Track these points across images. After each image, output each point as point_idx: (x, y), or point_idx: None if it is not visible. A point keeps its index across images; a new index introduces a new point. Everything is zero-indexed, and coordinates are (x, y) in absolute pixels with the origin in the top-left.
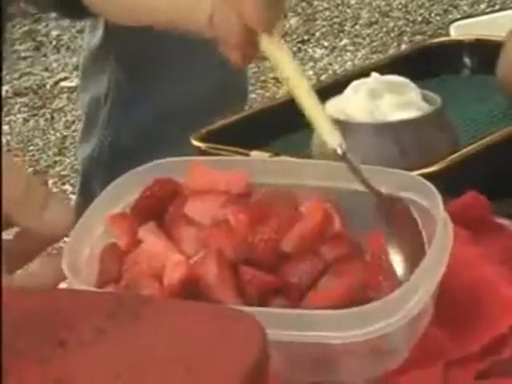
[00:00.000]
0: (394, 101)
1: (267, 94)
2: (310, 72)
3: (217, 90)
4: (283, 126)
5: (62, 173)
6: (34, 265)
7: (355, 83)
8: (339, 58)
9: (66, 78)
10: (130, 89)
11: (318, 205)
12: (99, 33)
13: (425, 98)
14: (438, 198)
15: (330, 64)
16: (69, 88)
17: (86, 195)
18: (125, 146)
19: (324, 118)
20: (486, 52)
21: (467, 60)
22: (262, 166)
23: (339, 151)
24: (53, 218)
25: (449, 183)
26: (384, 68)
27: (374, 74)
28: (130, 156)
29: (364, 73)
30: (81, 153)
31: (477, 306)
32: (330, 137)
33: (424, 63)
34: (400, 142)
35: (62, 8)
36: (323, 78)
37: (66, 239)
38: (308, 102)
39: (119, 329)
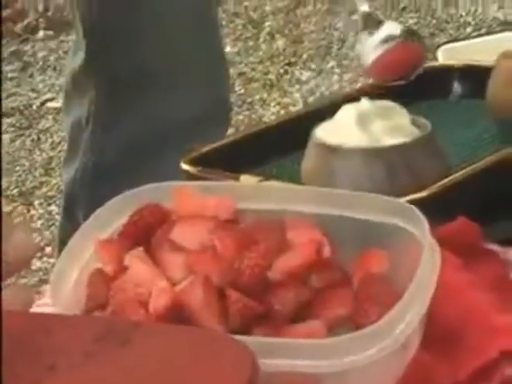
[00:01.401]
0: (383, 126)
1: (254, 116)
2: (297, 94)
3: (198, 112)
4: (274, 149)
5: (49, 194)
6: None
7: (345, 108)
8: (326, 81)
9: (52, 99)
10: (111, 111)
11: (309, 235)
12: (81, 55)
13: (414, 123)
14: (425, 223)
15: (317, 86)
16: (55, 109)
17: (70, 218)
18: (108, 169)
19: None
20: (474, 77)
21: (456, 84)
22: (250, 192)
23: None
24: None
25: (439, 208)
26: (373, 92)
27: (364, 99)
28: (114, 178)
29: (353, 97)
30: (65, 175)
31: (466, 333)
32: None
33: (413, 88)
34: (390, 167)
35: None
36: (310, 100)
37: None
38: None
39: (108, 353)
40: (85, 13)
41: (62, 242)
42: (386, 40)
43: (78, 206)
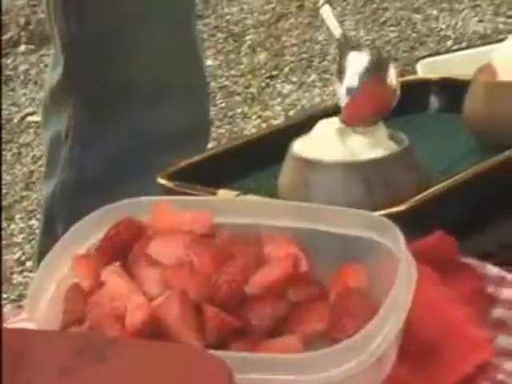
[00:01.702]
0: (361, 140)
1: (235, 129)
2: (278, 108)
3: (178, 127)
4: (252, 163)
5: (29, 208)
6: None
7: (323, 122)
8: (307, 94)
9: (33, 113)
10: (90, 126)
11: (285, 250)
12: (59, 70)
13: (392, 137)
14: (401, 237)
15: (299, 99)
16: (36, 123)
17: (49, 233)
18: (87, 184)
19: None
20: (452, 90)
21: (434, 98)
22: (228, 206)
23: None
24: None
25: (416, 222)
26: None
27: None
28: (93, 193)
29: (332, 111)
30: (44, 190)
31: (443, 347)
32: None
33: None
34: (367, 182)
35: None
36: (291, 113)
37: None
38: None
39: (85, 368)
40: (63, 28)
41: (42, 257)
42: (348, 91)
43: (57, 221)
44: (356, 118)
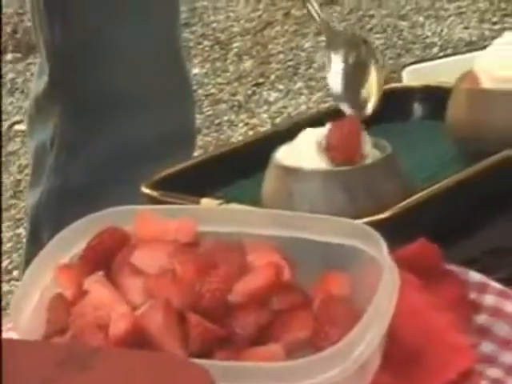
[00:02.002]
0: None
1: (222, 137)
2: (265, 115)
3: (163, 135)
4: (235, 172)
5: (17, 216)
6: None
7: (306, 131)
8: (294, 101)
9: (20, 122)
10: (75, 135)
11: (269, 258)
12: (45, 79)
13: (375, 145)
14: (383, 245)
15: (285, 107)
16: (23, 131)
17: (35, 241)
18: (72, 192)
19: None
20: (435, 98)
21: (417, 106)
22: (210, 215)
23: None
24: None
25: (399, 230)
26: (335, 114)
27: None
28: (78, 201)
29: (316, 119)
30: (30, 199)
31: (426, 354)
32: None
33: (374, 110)
34: (349, 189)
35: None
36: (278, 120)
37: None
38: None
39: (68, 378)
40: (48, 37)
41: (28, 266)
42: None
43: (43, 230)
44: (332, 158)
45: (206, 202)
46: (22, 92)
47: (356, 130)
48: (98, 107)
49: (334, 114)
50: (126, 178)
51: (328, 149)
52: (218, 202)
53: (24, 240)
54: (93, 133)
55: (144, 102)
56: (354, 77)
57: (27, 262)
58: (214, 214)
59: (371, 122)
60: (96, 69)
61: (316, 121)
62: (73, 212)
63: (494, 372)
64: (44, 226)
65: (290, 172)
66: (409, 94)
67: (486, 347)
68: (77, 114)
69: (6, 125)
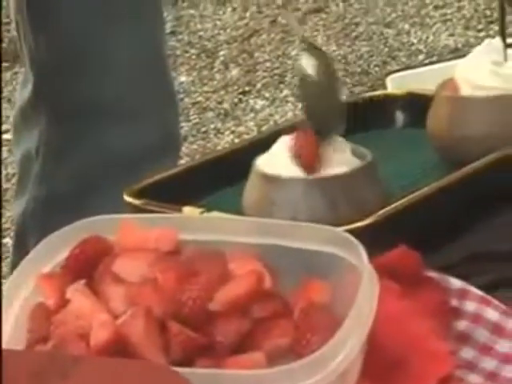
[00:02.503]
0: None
1: (208, 145)
2: (251, 123)
3: (148, 143)
4: (217, 180)
5: (3, 226)
6: None
7: (283, 138)
8: (280, 109)
9: (6, 131)
10: (61, 142)
11: (249, 266)
12: (29, 88)
13: (355, 153)
14: (362, 252)
15: (271, 115)
16: (9, 141)
17: (21, 251)
18: (58, 200)
19: None
20: (417, 105)
21: (399, 113)
22: (192, 223)
23: None
24: None
25: (379, 237)
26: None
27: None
28: (64, 209)
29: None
30: (16, 208)
31: (407, 360)
32: None
33: (355, 117)
34: (329, 197)
35: None
36: (264, 128)
37: None
38: None
39: None
40: (31, 46)
41: None
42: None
43: (29, 238)
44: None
45: (188, 210)
46: (9, 101)
47: (311, 140)
48: (83, 115)
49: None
50: (111, 186)
51: (294, 157)
52: (200, 210)
53: (10, 249)
54: (78, 141)
55: (129, 110)
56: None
57: (12, 270)
58: (195, 223)
59: (353, 130)
60: (81, 78)
61: (294, 130)
62: (59, 220)
63: (474, 378)
64: (30, 235)
65: (270, 180)
66: (391, 101)
67: (467, 353)
68: (62, 122)
69: None
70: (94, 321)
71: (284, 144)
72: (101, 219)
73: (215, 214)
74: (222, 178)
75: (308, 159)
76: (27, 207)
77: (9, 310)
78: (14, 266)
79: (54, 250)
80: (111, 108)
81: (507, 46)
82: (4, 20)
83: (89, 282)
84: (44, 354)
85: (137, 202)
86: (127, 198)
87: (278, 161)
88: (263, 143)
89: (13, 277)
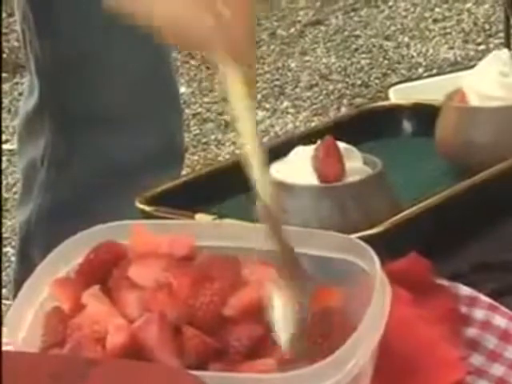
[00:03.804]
0: None
1: (209, 156)
2: None
3: (152, 152)
4: (228, 188)
5: (4, 235)
6: None
7: (300, 148)
8: (280, 121)
9: (6, 141)
10: (66, 150)
11: (263, 272)
12: (35, 96)
13: (365, 162)
14: (375, 259)
15: (272, 126)
16: (10, 151)
17: (25, 259)
18: (63, 208)
19: (258, 157)
20: (423, 115)
21: (406, 123)
22: (205, 230)
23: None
24: None
25: (390, 245)
26: (326, 131)
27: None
28: (69, 217)
29: (308, 136)
30: (20, 217)
31: (417, 366)
32: (261, 186)
33: (365, 126)
34: (341, 205)
35: None
36: (265, 140)
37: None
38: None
39: None
40: (38, 54)
41: (17, 285)
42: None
43: (33, 247)
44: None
45: (200, 217)
46: (9, 111)
47: (335, 150)
48: (88, 124)
49: (319, 132)
50: (114, 194)
51: (315, 166)
52: (212, 217)
53: (12, 258)
54: (81, 149)
55: (134, 119)
56: None
57: (16, 280)
58: (208, 229)
59: (362, 139)
60: (86, 86)
61: (303, 139)
62: (63, 228)
63: None
64: (34, 243)
65: (284, 187)
66: (398, 111)
67: (476, 360)
68: (66, 130)
69: None
70: (110, 325)
71: (300, 153)
72: (115, 225)
73: (228, 220)
74: (234, 185)
75: (333, 170)
76: (32, 215)
77: (23, 316)
78: (17, 273)
79: (69, 255)
80: (116, 116)
81: None
82: (4, 30)
83: (103, 288)
84: (62, 356)
85: (149, 208)
86: (139, 205)
87: (291, 169)
88: (276, 151)
89: (28, 282)
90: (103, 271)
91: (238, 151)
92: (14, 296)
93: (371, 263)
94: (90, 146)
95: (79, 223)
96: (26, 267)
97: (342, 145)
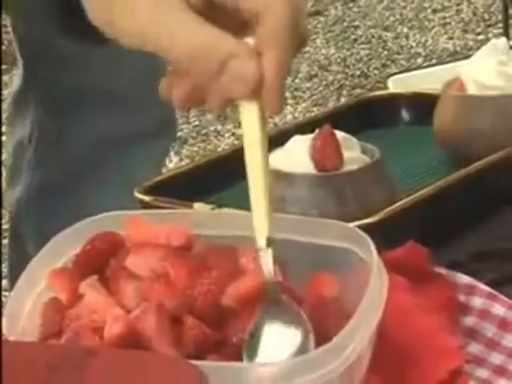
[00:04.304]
0: None
1: (209, 147)
2: None
3: (142, 127)
4: (228, 177)
5: (3, 227)
6: None
7: (298, 137)
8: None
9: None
10: (53, 129)
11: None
12: (19, 75)
13: (363, 151)
14: (372, 247)
15: (271, 117)
16: None
17: (17, 239)
18: (53, 186)
19: (264, 204)
20: (422, 104)
21: (405, 112)
22: (203, 219)
23: (263, 244)
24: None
25: (387, 234)
26: (324, 120)
27: (318, 130)
28: (59, 196)
29: (306, 125)
30: (9, 197)
31: (415, 354)
32: (260, 225)
33: (363, 116)
34: (339, 194)
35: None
36: None
37: (7, 294)
38: (256, 182)
39: (64, 379)
40: (21, 34)
41: (11, 266)
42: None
43: (24, 226)
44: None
45: (198, 206)
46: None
47: (332, 139)
48: (75, 102)
49: (317, 122)
50: (103, 172)
51: (313, 155)
52: (211, 206)
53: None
54: (70, 128)
55: (121, 96)
56: None
57: (10, 261)
58: (206, 218)
59: (361, 128)
60: (71, 64)
61: (300, 129)
62: (53, 206)
63: (482, 373)
64: (24, 222)
65: (280, 176)
66: (396, 100)
67: (474, 348)
68: (53, 109)
69: None
70: (108, 315)
71: (297, 142)
72: (111, 215)
73: (226, 209)
74: (232, 174)
75: (331, 159)
76: (22, 194)
77: (21, 306)
78: (10, 252)
79: (66, 245)
80: (103, 95)
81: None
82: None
83: (100, 278)
84: (60, 346)
85: (147, 198)
86: (138, 195)
87: (289, 158)
88: (273, 140)
89: (25, 273)
90: (100, 261)
91: (236, 142)
92: (11, 283)
93: (368, 251)
94: (77, 125)
95: (68, 202)
96: (19, 247)
97: (339, 134)
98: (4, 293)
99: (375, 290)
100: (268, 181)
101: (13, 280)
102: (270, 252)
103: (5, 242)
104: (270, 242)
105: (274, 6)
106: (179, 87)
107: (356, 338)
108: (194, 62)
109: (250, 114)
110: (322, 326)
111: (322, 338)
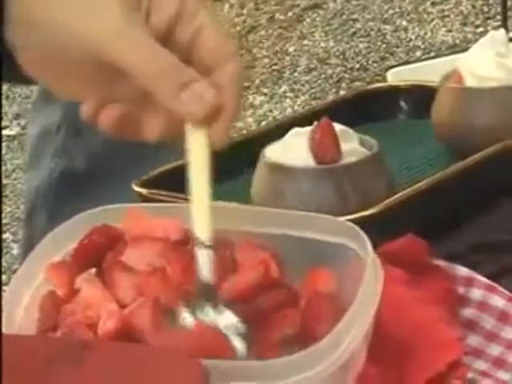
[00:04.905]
0: None
1: None
2: (250, 119)
3: None
4: (225, 171)
5: (3, 221)
6: None
7: (296, 130)
8: (279, 105)
9: (5, 127)
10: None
11: (257, 256)
12: None
13: (362, 143)
14: (367, 241)
15: (270, 111)
16: (8, 136)
17: (33, 226)
18: (77, 174)
19: (207, 219)
20: (421, 97)
21: (403, 105)
22: None
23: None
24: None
25: (385, 226)
26: (323, 113)
27: (316, 122)
28: (81, 184)
29: (304, 118)
30: (27, 183)
31: (414, 347)
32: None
33: (362, 108)
34: (337, 186)
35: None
36: (263, 124)
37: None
38: (200, 202)
39: (61, 373)
40: None
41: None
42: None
43: (39, 213)
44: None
45: None
46: (7, 98)
47: (330, 131)
48: None
49: (315, 115)
50: (125, 165)
51: (312, 148)
52: None
53: (10, 245)
54: None
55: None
56: None
57: (24, 245)
58: None
59: (359, 121)
60: None
61: (298, 121)
62: (73, 195)
63: (480, 364)
64: (41, 209)
65: (279, 169)
66: (395, 93)
67: (473, 340)
68: None
69: None
70: (103, 311)
71: (296, 134)
72: (109, 208)
73: (223, 203)
74: (228, 168)
75: (329, 151)
76: (43, 180)
77: (19, 300)
78: (25, 241)
79: (64, 239)
80: None
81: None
82: None
83: (98, 272)
84: (57, 339)
85: (145, 191)
86: (136, 188)
87: (287, 150)
88: (271, 133)
89: (24, 265)
90: (98, 255)
91: (235, 136)
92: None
93: (363, 246)
94: None
95: (91, 191)
96: (34, 233)
97: (338, 126)
98: (4, 287)
99: (370, 284)
100: (210, 200)
101: None
102: (209, 253)
103: (4, 236)
104: (211, 246)
105: (226, 61)
106: (107, 112)
107: (351, 333)
108: (157, 79)
109: (197, 142)
110: (318, 322)
111: (319, 333)
